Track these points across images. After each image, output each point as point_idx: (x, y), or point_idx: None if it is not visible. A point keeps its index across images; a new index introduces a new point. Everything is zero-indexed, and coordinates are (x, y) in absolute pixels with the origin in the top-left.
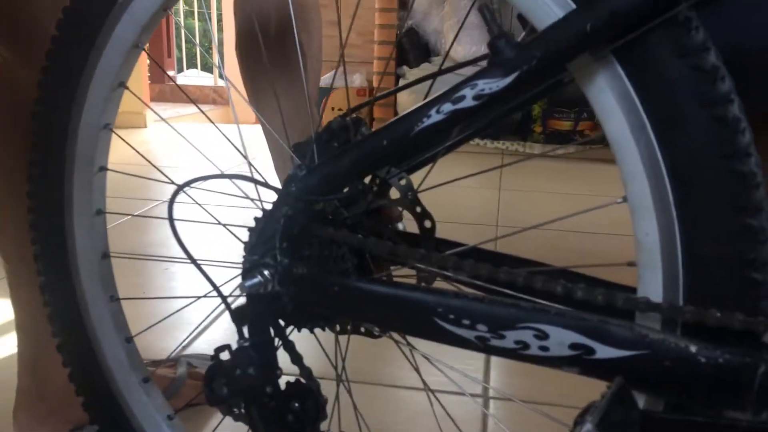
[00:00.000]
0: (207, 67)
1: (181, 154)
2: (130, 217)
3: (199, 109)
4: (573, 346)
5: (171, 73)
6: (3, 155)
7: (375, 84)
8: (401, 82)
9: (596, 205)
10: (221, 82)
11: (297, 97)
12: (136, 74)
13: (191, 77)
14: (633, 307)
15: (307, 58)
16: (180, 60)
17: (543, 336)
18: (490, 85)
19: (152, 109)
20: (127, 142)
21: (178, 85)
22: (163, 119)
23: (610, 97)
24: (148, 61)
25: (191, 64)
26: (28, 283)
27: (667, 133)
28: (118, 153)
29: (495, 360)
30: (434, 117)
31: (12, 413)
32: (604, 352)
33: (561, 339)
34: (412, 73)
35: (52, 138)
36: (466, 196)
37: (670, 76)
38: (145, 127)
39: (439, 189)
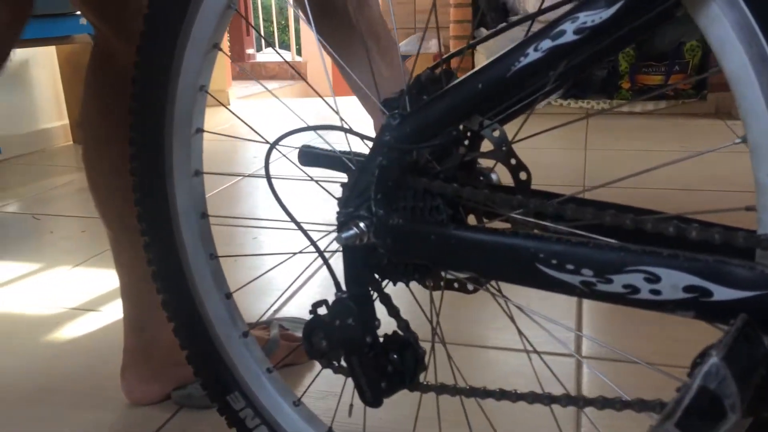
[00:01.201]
0: (284, 45)
1: (265, 129)
2: (220, 189)
3: (298, 73)
4: (687, 288)
5: (250, 51)
6: (105, 126)
7: (452, 48)
8: (478, 46)
9: (695, 160)
10: (299, 58)
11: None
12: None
13: (270, 54)
14: (755, 245)
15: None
16: (258, 39)
17: (654, 279)
18: (592, 17)
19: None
20: (219, 101)
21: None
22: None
23: (726, 26)
24: (229, 41)
25: (269, 43)
26: (130, 249)
27: None
28: (206, 127)
29: (587, 317)
30: (532, 55)
31: (120, 373)
32: (722, 293)
33: (674, 282)
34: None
35: (152, 101)
36: (550, 158)
37: None
38: (228, 104)
39: (522, 150)
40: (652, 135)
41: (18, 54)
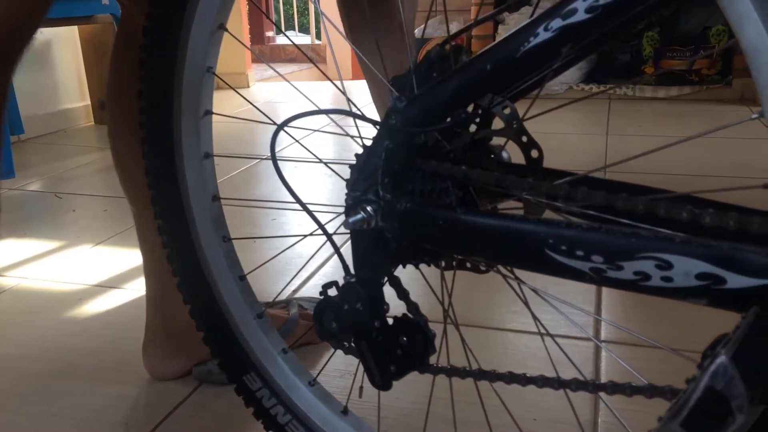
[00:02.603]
0: (304, 28)
1: (283, 112)
2: (241, 170)
3: (308, 58)
4: (700, 275)
5: (270, 34)
6: (130, 103)
7: (473, 31)
8: (500, 29)
9: (720, 145)
10: (318, 41)
11: (397, 45)
12: (237, 35)
13: (290, 36)
14: None
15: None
16: (278, 22)
17: (666, 266)
18: None
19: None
20: (228, 84)
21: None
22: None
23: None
24: (248, 25)
25: (289, 26)
26: (154, 227)
27: None
28: (223, 110)
29: (606, 301)
30: (542, 35)
31: (142, 349)
32: (736, 281)
33: (686, 269)
34: (512, 18)
35: (159, 83)
36: (570, 143)
37: None
38: (248, 87)
39: (541, 135)
40: (675, 121)
41: (40, 34)
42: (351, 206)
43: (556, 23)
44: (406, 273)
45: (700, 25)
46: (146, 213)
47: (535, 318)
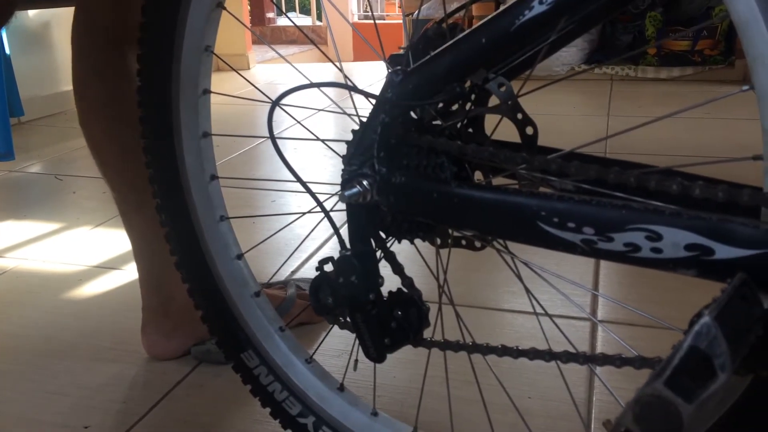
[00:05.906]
0: (305, 10)
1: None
2: (243, 151)
3: (309, 38)
4: (689, 247)
5: (270, 15)
6: (96, 88)
7: (474, 12)
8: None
9: (718, 125)
10: (319, 23)
11: None
12: (237, 16)
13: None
14: (760, 203)
15: None
16: (279, 3)
17: (656, 237)
18: None
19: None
20: (228, 64)
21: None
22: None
23: None
24: (249, 6)
25: (290, 7)
26: (137, 209)
27: None
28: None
29: (604, 281)
30: (537, 8)
31: (141, 329)
32: (724, 252)
33: (676, 240)
34: None
35: (158, 62)
36: (571, 124)
37: None
38: (248, 68)
39: (542, 116)
40: (677, 101)
41: (39, 16)
42: (347, 180)
43: None
44: (402, 254)
45: (704, 5)
46: (129, 197)
47: (528, 292)
